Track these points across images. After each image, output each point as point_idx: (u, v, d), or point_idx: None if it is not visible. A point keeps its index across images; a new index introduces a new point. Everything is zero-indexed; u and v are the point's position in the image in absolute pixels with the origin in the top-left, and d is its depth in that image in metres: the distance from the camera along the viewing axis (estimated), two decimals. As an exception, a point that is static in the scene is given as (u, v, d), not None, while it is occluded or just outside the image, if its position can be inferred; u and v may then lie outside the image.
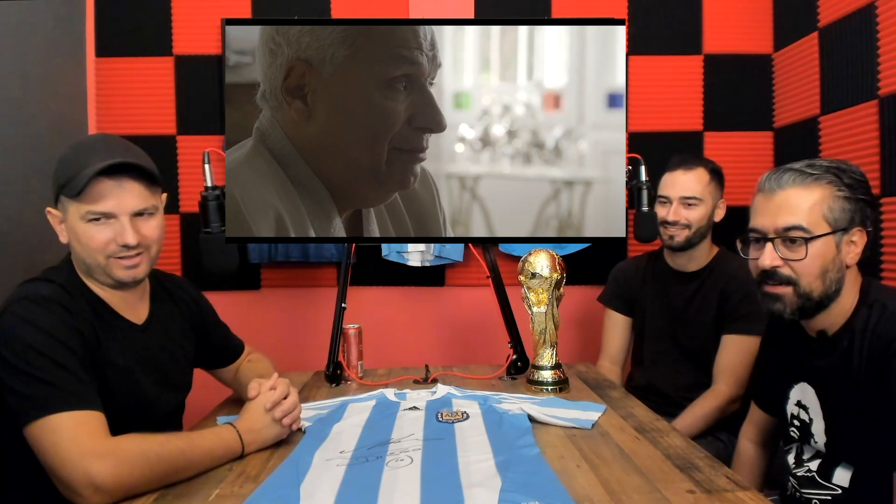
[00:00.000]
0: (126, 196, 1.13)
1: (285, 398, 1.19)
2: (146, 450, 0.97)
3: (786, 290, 1.14)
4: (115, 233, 1.13)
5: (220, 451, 1.08)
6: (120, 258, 1.14)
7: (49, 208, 1.17)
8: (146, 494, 0.96)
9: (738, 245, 1.23)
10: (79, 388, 1.01)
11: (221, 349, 1.49)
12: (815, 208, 1.12)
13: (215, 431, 1.12)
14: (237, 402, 1.46)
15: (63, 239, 1.17)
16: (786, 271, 1.14)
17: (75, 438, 0.95)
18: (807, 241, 1.11)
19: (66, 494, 0.95)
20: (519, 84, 1.55)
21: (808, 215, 1.11)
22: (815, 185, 1.12)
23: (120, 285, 1.18)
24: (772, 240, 1.14)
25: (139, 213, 1.16)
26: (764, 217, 1.16)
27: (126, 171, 1.13)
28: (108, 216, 1.12)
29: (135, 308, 1.24)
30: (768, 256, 1.14)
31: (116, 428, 1.01)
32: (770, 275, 1.15)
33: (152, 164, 1.19)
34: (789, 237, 1.12)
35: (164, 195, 1.26)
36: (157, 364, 1.24)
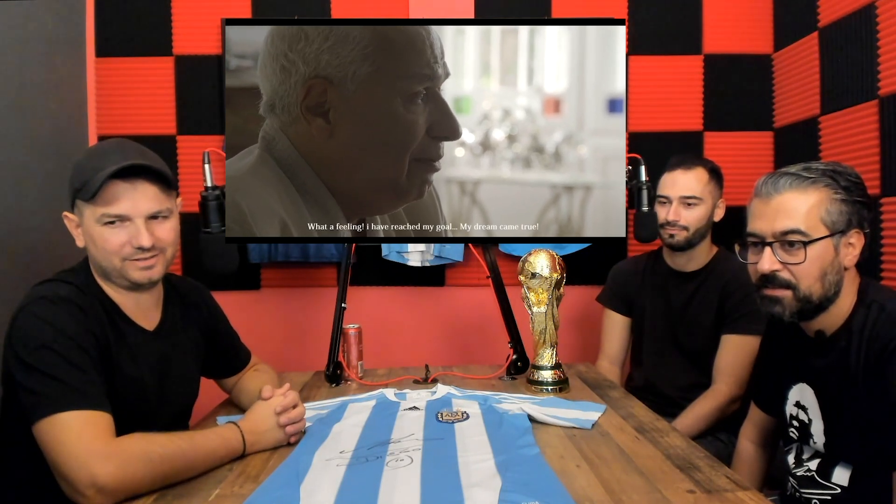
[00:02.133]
0: (140, 198, 1.14)
1: (294, 407, 1.20)
2: (149, 451, 0.98)
3: (785, 294, 1.14)
4: (130, 235, 1.14)
5: (223, 451, 1.08)
6: (135, 260, 1.15)
7: (66, 213, 1.18)
8: (146, 495, 0.96)
9: (737, 249, 1.23)
10: (89, 388, 1.02)
11: (229, 358, 1.48)
12: (813, 211, 1.12)
13: (218, 431, 1.12)
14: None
15: (80, 243, 1.18)
16: (785, 275, 1.14)
17: (81, 438, 0.96)
18: (805, 244, 1.11)
19: (69, 493, 0.95)
20: (519, 89, 1.55)
21: (805, 219, 1.12)
22: (812, 188, 1.12)
23: (136, 287, 1.18)
24: (770, 244, 1.14)
25: (154, 216, 1.16)
26: (762, 221, 1.16)
27: (140, 173, 1.14)
28: (122, 219, 1.13)
29: (148, 313, 1.24)
30: (767, 261, 1.14)
31: (121, 433, 1.01)
32: (769, 279, 1.15)
33: (166, 167, 1.20)
34: (787, 241, 1.12)
35: (180, 199, 1.26)
36: (165, 371, 1.24)
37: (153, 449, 0.98)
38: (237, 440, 1.11)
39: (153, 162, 1.16)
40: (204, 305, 1.40)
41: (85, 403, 0.99)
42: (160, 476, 0.98)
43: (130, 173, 1.12)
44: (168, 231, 1.19)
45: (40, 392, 0.99)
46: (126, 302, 1.19)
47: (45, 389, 0.99)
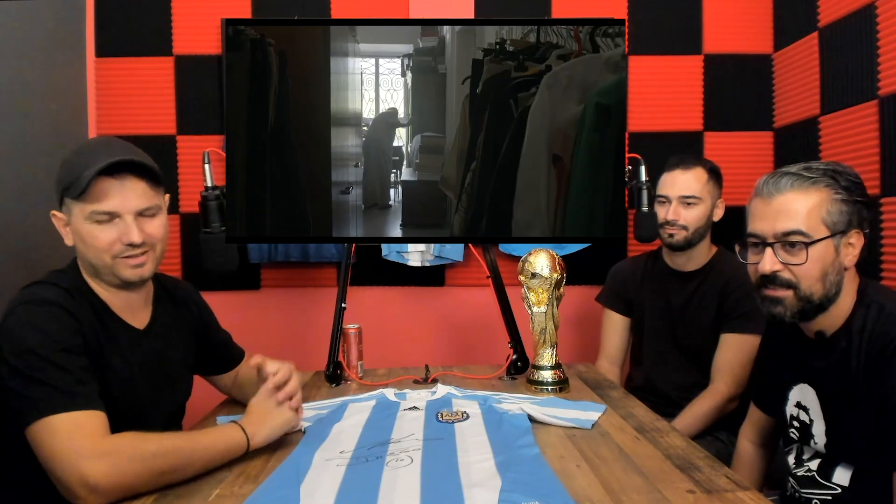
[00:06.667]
0: (129, 195, 1.13)
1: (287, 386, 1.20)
2: (141, 448, 0.97)
3: (786, 294, 1.14)
4: (120, 232, 1.13)
5: (222, 445, 1.07)
6: (126, 257, 1.15)
7: (53, 211, 1.17)
8: (145, 495, 0.96)
9: (737, 249, 1.23)
10: (78, 388, 1.01)
11: (222, 354, 1.48)
12: (814, 212, 1.12)
13: (217, 428, 1.12)
14: (237, 403, 1.46)
15: (68, 242, 1.17)
16: (786, 275, 1.13)
17: (70, 439, 0.95)
18: (807, 245, 1.11)
19: (64, 495, 0.95)
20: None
21: (806, 219, 1.11)
22: (813, 188, 1.12)
23: (127, 285, 1.18)
24: (771, 244, 1.14)
25: (143, 213, 1.16)
26: (763, 222, 1.15)
27: (129, 170, 1.14)
28: (112, 215, 1.13)
29: (138, 312, 1.24)
30: (768, 261, 1.14)
31: (115, 433, 1.01)
32: (770, 279, 1.15)
33: (154, 164, 1.20)
34: (789, 242, 1.12)
35: (168, 196, 1.26)
36: (156, 369, 1.24)
37: (145, 446, 0.98)
38: (237, 432, 1.09)
39: (140, 158, 1.16)
40: (193, 304, 1.40)
41: (73, 405, 0.99)
42: (155, 473, 0.97)
43: (118, 170, 1.12)
44: (157, 227, 1.18)
45: (29, 396, 0.99)
46: (116, 301, 1.19)
47: (34, 393, 0.99)
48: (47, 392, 0.99)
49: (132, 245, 1.14)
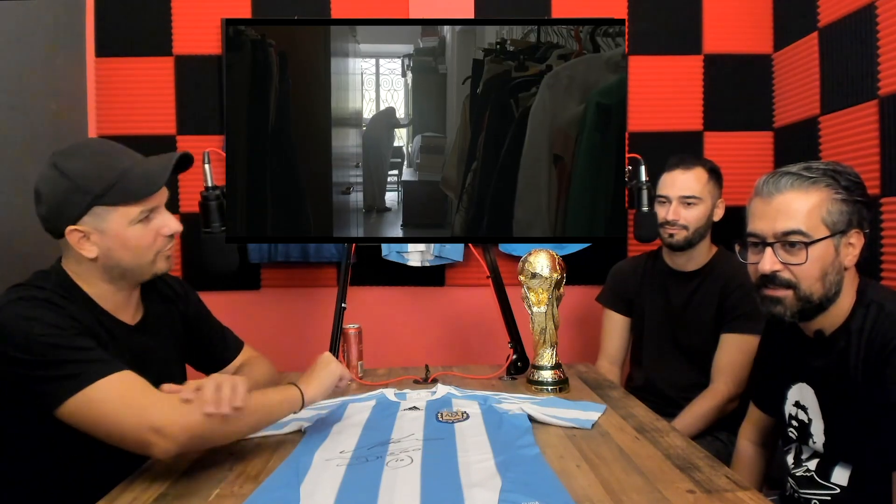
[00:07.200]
0: (164, 188, 1.16)
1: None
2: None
3: (786, 294, 1.14)
4: (158, 226, 1.15)
5: (279, 395, 1.12)
6: (163, 251, 1.18)
7: (72, 227, 1.09)
8: (151, 490, 0.96)
9: (737, 249, 1.23)
10: (105, 356, 1.02)
11: (216, 347, 1.45)
12: (814, 212, 1.12)
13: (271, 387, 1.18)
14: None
15: (91, 254, 1.12)
16: (786, 275, 1.13)
17: (126, 396, 0.97)
18: (806, 245, 1.11)
19: (137, 450, 0.97)
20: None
21: (806, 219, 1.11)
22: (813, 188, 1.12)
23: (149, 280, 1.21)
24: (771, 244, 1.14)
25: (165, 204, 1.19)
26: (763, 221, 1.15)
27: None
28: (154, 210, 1.15)
29: (129, 308, 1.23)
30: (768, 261, 1.14)
31: None
32: (770, 279, 1.15)
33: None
34: (789, 241, 1.12)
35: None
36: (150, 364, 1.23)
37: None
38: (291, 387, 1.15)
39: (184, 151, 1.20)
40: (179, 297, 1.39)
41: (110, 370, 0.99)
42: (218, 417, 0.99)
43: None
44: None
45: (58, 376, 0.98)
46: (109, 299, 1.18)
47: (63, 372, 0.98)
48: (78, 367, 0.99)
49: (172, 236, 1.17)
